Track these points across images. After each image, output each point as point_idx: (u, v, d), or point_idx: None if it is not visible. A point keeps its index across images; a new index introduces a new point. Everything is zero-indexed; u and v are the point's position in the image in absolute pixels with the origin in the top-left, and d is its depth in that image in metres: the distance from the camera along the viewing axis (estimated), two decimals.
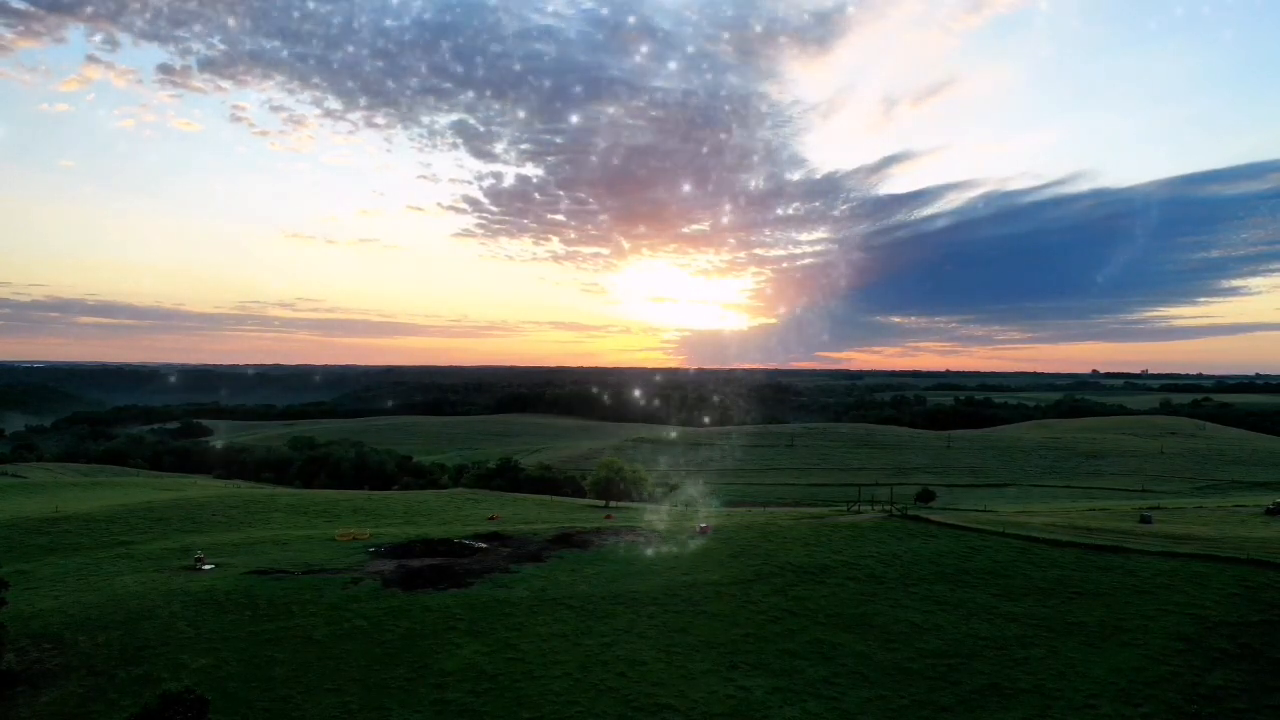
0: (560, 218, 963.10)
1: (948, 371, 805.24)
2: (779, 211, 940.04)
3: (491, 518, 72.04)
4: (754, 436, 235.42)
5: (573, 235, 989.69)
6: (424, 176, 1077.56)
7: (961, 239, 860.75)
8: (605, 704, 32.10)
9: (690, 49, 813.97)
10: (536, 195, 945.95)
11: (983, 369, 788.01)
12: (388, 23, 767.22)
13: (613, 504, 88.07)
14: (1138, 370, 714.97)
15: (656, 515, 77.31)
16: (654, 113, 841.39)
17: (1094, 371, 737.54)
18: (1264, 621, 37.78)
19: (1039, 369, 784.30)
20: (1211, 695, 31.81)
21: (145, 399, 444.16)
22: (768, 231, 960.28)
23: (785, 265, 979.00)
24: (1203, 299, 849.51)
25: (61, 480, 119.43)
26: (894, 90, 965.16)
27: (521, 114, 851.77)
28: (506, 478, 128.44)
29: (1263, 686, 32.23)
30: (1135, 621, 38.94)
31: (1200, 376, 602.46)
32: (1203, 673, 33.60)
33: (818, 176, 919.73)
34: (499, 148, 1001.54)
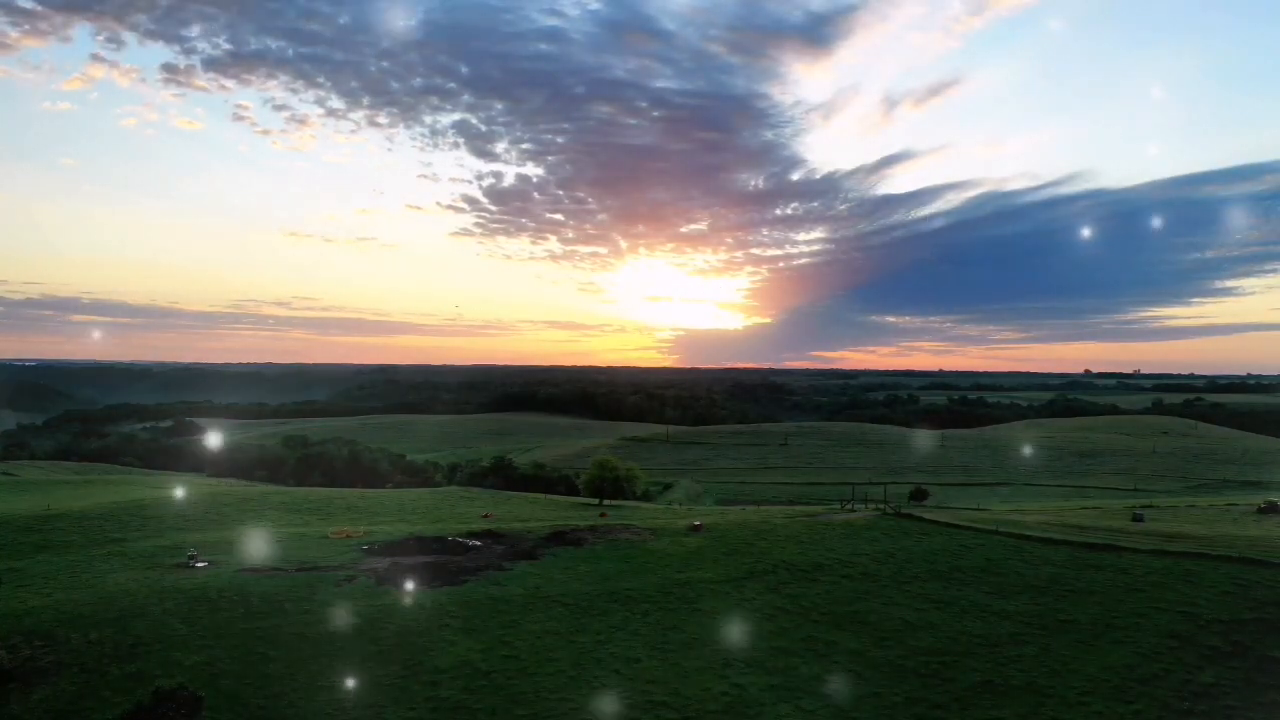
0: (559, 217, 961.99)
1: (941, 371, 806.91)
2: (777, 211, 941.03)
3: (485, 515, 71.94)
4: (748, 435, 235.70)
5: (571, 234, 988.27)
6: (424, 176, 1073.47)
7: (958, 239, 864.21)
8: (600, 701, 32.13)
9: (693, 50, 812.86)
10: (536, 195, 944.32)
11: (977, 369, 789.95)
12: (394, 23, 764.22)
13: (607, 502, 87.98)
14: (1130, 370, 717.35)
15: (650, 513, 77.31)
16: (656, 113, 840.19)
17: (1087, 371, 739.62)
18: (1256, 619, 37.95)
19: (1032, 369, 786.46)
20: (1204, 692, 31.95)
21: (139, 397, 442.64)
22: (765, 231, 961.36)
23: (782, 265, 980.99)
24: (1196, 299, 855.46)
25: (54, 478, 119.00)
26: (895, 91, 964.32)
27: (523, 114, 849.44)
28: (500, 476, 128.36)
29: (1254, 684, 32.38)
30: (1128, 619, 39.07)
31: (1193, 376, 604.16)
32: (1195, 670, 33.74)
33: (817, 177, 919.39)
34: (500, 147, 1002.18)
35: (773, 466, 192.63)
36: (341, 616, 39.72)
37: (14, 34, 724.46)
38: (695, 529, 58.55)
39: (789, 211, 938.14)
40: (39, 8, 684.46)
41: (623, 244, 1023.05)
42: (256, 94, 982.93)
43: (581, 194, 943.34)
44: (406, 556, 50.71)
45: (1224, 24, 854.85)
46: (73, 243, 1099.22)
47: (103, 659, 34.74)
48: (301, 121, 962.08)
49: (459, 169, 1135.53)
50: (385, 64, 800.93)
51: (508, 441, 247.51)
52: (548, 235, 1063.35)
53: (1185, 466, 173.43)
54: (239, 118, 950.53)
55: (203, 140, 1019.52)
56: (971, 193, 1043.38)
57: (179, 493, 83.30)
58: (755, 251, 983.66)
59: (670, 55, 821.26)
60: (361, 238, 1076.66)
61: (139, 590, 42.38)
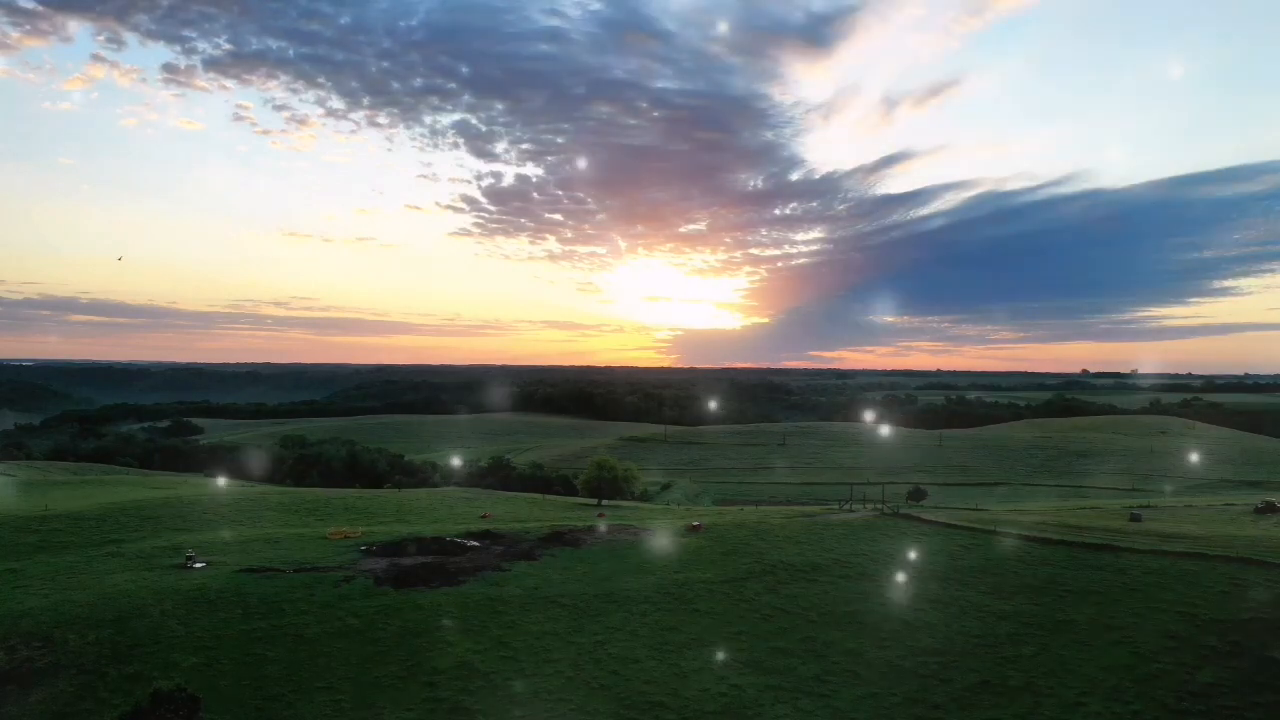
0: (558, 217, 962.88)
1: (939, 371, 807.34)
2: (776, 211, 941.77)
3: (484, 516, 71.94)
4: (746, 435, 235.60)
5: (569, 234, 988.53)
6: (424, 176, 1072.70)
7: (956, 239, 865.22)
8: (598, 702, 32.13)
9: (693, 50, 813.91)
10: (535, 195, 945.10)
11: (974, 368, 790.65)
12: (395, 23, 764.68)
13: (605, 502, 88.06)
14: (1128, 370, 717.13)
15: (649, 514, 77.31)
16: (656, 113, 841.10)
17: (1084, 371, 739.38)
18: (1253, 619, 37.99)
19: (1030, 368, 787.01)
20: (1201, 693, 31.99)
21: (136, 397, 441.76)
22: (764, 231, 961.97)
23: (780, 265, 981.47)
24: (1194, 299, 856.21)
25: (51, 479, 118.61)
26: (895, 91, 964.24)
27: (523, 114, 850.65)
28: (498, 476, 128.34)
29: (1252, 684, 32.42)
30: (1126, 619, 39.12)
31: (1190, 376, 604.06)
32: (1193, 670, 33.78)
33: (816, 177, 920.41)
34: (499, 147, 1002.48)
35: (771, 466, 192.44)
36: (340, 617, 39.71)
37: (14, 34, 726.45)
38: (693, 529, 58.57)
39: (788, 211, 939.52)
40: (39, 8, 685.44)
41: (621, 244, 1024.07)
42: (257, 94, 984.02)
43: (581, 194, 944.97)
44: (405, 557, 50.71)
45: (1223, 24, 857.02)
46: (71, 243, 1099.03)
47: (101, 660, 34.70)
48: (301, 122, 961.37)
49: (459, 169, 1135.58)
50: (386, 64, 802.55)
51: (505, 442, 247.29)
52: (546, 235, 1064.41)
53: (1183, 466, 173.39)
54: (239, 118, 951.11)
55: (203, 140, 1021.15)
56: (970, 193, 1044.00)
57: (177, 493, 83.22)
58: (754, 251, 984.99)
59: (670, 55, 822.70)
60: (360, 238, 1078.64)
61: (137, 591, 42.34)
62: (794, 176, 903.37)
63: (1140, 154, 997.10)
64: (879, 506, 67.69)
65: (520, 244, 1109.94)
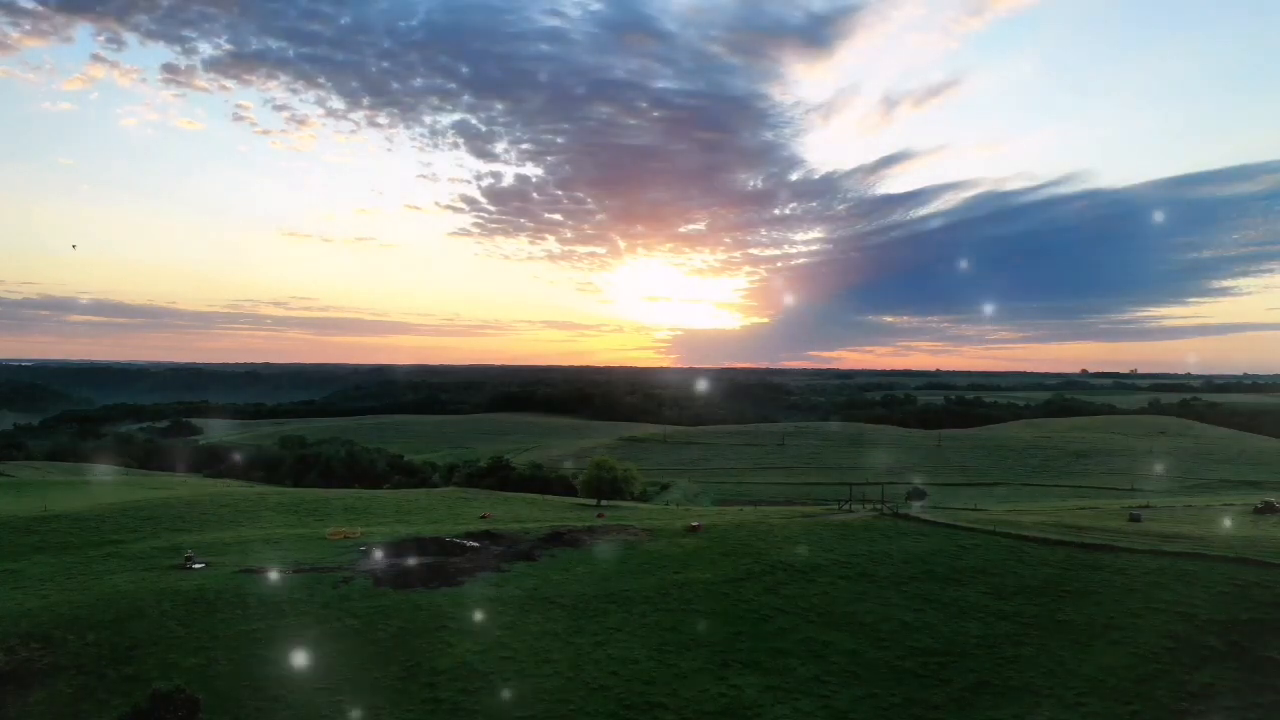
0: (557, 217, 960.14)
1: (939, 371, 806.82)
2: (775, 211, 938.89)
3: (484, 516, 71.98)
4: (745, 435, 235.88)
5: (569, 235, 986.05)
6: (424, 176, 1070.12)
7: (956, 239, 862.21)
8: (597, 702, 32.12)
9: (693, 50, 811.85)
10: (534, 195, 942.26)
11: (974, 368, 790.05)
12: (395, 23, 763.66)
13: (604, 503, 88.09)
14: (1127, 370, 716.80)
15: (648, 514, 77.35)
16: (656, 113, 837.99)
17: (1083, 371, 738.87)
18: (1253, 620, 38.01)
19: (1029, 369, 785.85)
20: (1200, 693, 32.00)
21: (135, 397, 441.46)
22: (764, 231, 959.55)
23: (780, 265, 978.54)
24: (1193, 299, 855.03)
25: (50, 479, 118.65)
26: (895, 91, 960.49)
27: (523, 114, 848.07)
28: (498, 476, 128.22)
29: (1251, 684, 32.44)
30: (1125, 620, 39.14)
31: (1189, 376, 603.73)
32: (1192, 671, 33.79)
33: (816, 177, 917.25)
34: (499, 147, 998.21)
35: (770, 466, 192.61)
36: (339, 618, 39.72)
37: (14, 34, 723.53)
38: (693, 529, 58.58)
39: (787, 211, 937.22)
40: (39, 8, 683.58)
41: (621, 244, 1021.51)
42: (257, 94, 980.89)
43: (580, 194, 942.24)
44: (404, 557, 50.73)
45: (1223, 24, 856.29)
46: (70, 243, 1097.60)
47: (100, 661, 34.71)
48: (301, 122, 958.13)
49: (458, 169, 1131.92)
50: (386, 64, 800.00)
51: (505, 442, 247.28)
52: (546, 235, 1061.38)
53: (1182, 466, 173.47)
54: (239, 118, 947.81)
55: (203, 140, 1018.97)
56: (969, 193, 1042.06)
57: (176, 493, 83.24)
58: (753, 251, 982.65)
59: (670, 56, 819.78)
60: (360, 238, 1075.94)
61: (136, 592, 42.36)
62: (794, 176, 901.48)
63: (1140, 154, 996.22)
64: (878, 506, 67.71)
65: (520, 244, 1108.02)
